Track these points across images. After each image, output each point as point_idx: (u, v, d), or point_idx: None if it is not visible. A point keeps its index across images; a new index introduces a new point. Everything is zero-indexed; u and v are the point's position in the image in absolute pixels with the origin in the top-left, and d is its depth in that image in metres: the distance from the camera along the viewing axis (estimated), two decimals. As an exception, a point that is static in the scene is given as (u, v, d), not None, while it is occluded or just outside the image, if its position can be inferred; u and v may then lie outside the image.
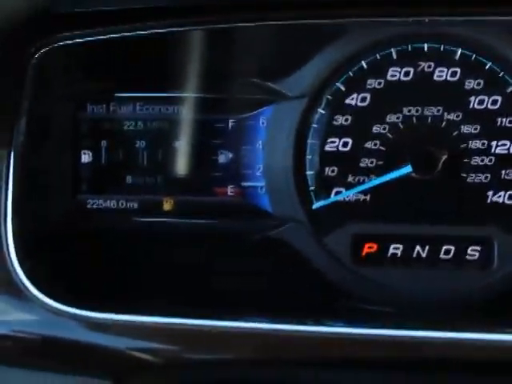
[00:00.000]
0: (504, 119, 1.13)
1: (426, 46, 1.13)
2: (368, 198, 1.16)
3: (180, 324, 1.03)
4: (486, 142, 1.13)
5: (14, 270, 1.05)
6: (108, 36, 1.11)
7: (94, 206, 1.21)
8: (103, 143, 1.20)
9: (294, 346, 1.02)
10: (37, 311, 1.04)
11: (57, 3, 1.08)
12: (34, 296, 1.04)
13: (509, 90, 1.12)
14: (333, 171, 1.16)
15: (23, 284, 1.04)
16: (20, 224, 1.07)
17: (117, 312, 1.03)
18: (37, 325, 1.04)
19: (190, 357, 1.04)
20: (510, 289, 1.12)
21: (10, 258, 1.05)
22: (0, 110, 1.09)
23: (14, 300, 1.05)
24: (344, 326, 1.03)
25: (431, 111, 1.14)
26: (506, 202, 1.13)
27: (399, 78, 1.14)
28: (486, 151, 1.13)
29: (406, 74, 1.14)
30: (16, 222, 1.07)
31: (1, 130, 1.08)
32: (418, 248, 1.14)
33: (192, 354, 1.04)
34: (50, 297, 1.04)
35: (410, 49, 1.13)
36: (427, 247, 1.14)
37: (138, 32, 1.11)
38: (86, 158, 1.20)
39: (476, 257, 1.13)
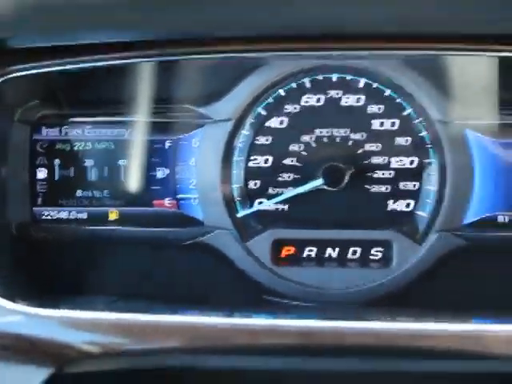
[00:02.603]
0: (401, 138, 1.15)
1: (334, 76, 1.15)
2: (286, 207, 1.17)
3: (118, 318, 1.03)
4: (386, 158, 1.15)
5: None
6: (60, 68, 1.10)
7: (49, 217, 1.20)
8: (56, 161, 1.20)
9: (221, 335, 1.02)
10: None
11: (14, 39, 1.07)
12: None
13: (405, 113, 1.15)
14: (255, 184, 1.18)
15: None
16: None
17: (61, 308, 1.03)
18: None
19: (127, 347, 1.03)
20: (407, 283, 1.14)
21: None
22: None
23: None
24: (266, 318, 1.03)
25: (339, 132, 1.16)
26: (404, 209, 1.16)
27: (312, 104, 1.17)
28: (386, 166, 1.16)
29: (318, 100, 1.16)
30: None
31: None
32: (329, 250, 1.17)
33: (128, 344, 1.03)
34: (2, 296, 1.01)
35: (320, 78, 1.15)
36: (337, 249, 1.17)
37: (86, 64, 1.11)
38: (41, 174, 1.20)
39: (378, 256, 1.17)
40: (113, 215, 1.21)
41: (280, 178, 1.17)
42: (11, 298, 1.03)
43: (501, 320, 1.01)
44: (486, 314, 1.04)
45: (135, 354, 1.04)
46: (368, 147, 1.16)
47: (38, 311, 1.03)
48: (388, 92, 1.15)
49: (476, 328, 1.00)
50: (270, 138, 1.18)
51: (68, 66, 1.12)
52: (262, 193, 1.18)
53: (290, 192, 1.17)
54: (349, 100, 1.17)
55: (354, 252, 1.17)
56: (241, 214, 1.18)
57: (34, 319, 1.03)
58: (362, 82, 1.16)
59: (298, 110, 1.17)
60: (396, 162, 1.16)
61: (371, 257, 1.17)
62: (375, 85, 1.15)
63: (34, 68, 1.11)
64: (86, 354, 1.02)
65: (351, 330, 1.01)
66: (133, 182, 1.21)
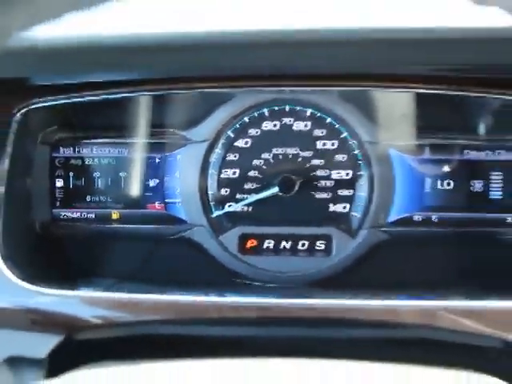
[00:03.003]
0: (339, 155, 1.16)
1: (287, 107, 1.15)
2: (250, 209, 1.18)
3: (117, 297, 1.03)
4: (327, 170, 1.15)
5: None
6: (72, 100, 1.09)
7: (65, 217, 1.20)
8: (71, 174, 1.19)
9: (199, 309, 1.03)
10: (12, 289, 1.01)
11: (34, 78, 1.07)
12: (10, 279, 1.01)
13: (342, 136, 1.15)
14: (226, 191, 1.18)
15: (2, 269, 1.01)
16: (7, 231, 1.05)
17: (72, 289, 1.03)
18: (10, 297, 1.02)
19: (123, 319, 1.03)
20: (344, 269, 1.15)
21: None
22: None
23: None
24: (234, 296, 1.04)
25: (291, 151, 1.16)
26: (341, 211, 1.16)
27: (270, 129, 1.16)
28: (328, 177, 1.16)
29: (274, 125, 1.16)
30: (4, 230, 1.04)
31: None
32: (283, 242, 1.16)
33: (124, 317, 1.03)
34: (24, 280, 1.02)
35: (276, 109, 1.15)
36: (289, 242, 1.16)
37: (92, 98, 1.10)
38: (59, 183, 1.20)
39: (321, 248, 1.16)
40: (115, 215, 1.20)
41: (245, 186, 1.17)
42: (33, 281, 1.02)
43: (415, 297, 1.02)
44: (404, 292, 1.04)
45: (130, 325, 1.03)
46: (313, 162, 1.16)
47: (53, 291, 1.02)
48: (329, 119, 1.15)
49: (395, 303, 1.02)
50: (238, 155, 1.17)
51: (79, 99, 1.10)
52: (231, 198, 1.18)
53: (252, 197, 1.16)
54: (298, 126, 1.16)
55: (303, 244, 1.16)
56: (215, 214, 1.17)
57: (50, 298, 1.02)
58: (308, 112, 1.15)
59: (259, 134, 1.16)
60: (335, 174, 1.16)
61: (316, 248, 1.16)
62: (318, 114, 1.15)
63: (51, 101, 1.09)
64: (91, 324, 1.01)
65: (299, 305, 1.02)
66: (130, 189, 1.20)
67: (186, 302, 1.02)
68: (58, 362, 0.96)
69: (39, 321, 1.02)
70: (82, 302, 1.02)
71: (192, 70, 1.06)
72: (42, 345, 0.97)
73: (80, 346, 1.00)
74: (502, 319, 0.95)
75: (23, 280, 1.00)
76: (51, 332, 0.99)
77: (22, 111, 1.07)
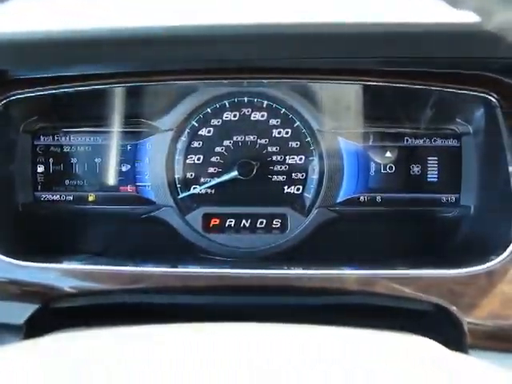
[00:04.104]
0: (292, 142, 1.17)
1: (246, 99, 1.16)
2: (213, 191, 1.18)
3: (90, 268, 1.02)
4: (282, 156, 1.17)
5: None
6: (50, 92, 1.08)
7: (46, 199, 1.19)
8: (50, 160, 1.19)
9: (168, 280, 1.02)
10: None
11: (14, 71, 1.06)
12: None
13: (295, 125, 1.16)
14: (191, 175, 1.18)
15: None
16: None
17: (50, 262, 1.02)
18: None
19: (95, 289, 1.02)
20: (297, 243, 1.16)
21: None
22: None
23: None
24: (198, 268, 1.03)
25: (249, 138, 1.17)
26: (295, 192, 1.18)
27: (230, 119, 1.17)
28: (283, 162, 1.17)
29: (234, 116, 1.17)
30: None
31: None
32: (243, 221, 1.17)
33: (96, 287, 1.02)
34: (5, 254, 1.01)
35: (236, 101, 1.16)
36: (249, 220, 1.17)
37: (69, 89, 1.09)
38: (40, 169, 1.19)
39: (277, 225, 1.17)
40: (91, 197, 1.20)
41: (208, 171, 1.18)
42: (13, 255, 1.02)
43: (358, 267, 1.02)
44: (350, 263, 1.04)
45: (100, 294, 1.02)
46: (270, 149, 1.17)
47: (32, 264, 1.01)
48: (283, 110, 1.16)
49: (341, 273, 1.02)
50: (201, 143, 1.18)
51: (55, 91, 1.09)
52: (195, 181, 1.18)
53: (215, 180, 1.17)
54: (256, 116, 1.17)
55: (261, 222, 1.17)
56: (181, 196, 1.18)
57: (29, 270, 1.01)
58: (264, 103, 1.16)
59: (220, 123, 1.17)
60: (289, 159, 1.17)
61: (273, 225, 1.17)
62: (274, 105, 1.16)
63: (30, 92, 1.08)
64: (65, 293, 1.00)
65: (256, 275, 1.02)
66: (105, 174, 1.20)
67: (154, 273, 1.01)
68: (35, 328, 0.95)
69: (18, 291, 1.00)
70: (58, 274, 1.00)
71: (160, 64, 1.05)
72: (21, 312, 0.96)
73: (55, 313, 0.99)
74: (434, 286, 0.96)
75: (4, 254, 0.99)
76: (29, 301, 0.98)
77: (3, 102, 1.06)
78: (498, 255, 0.94)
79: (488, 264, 0.94)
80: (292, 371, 0.52)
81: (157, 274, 1.00)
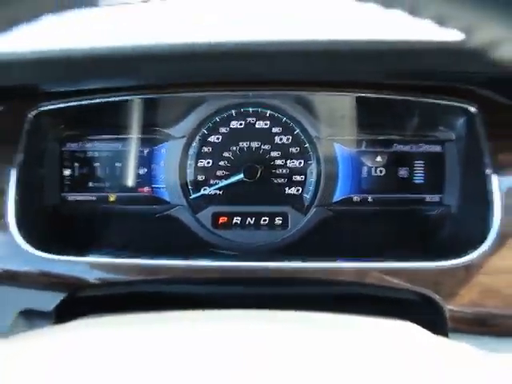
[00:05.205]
0: (293, 148, 1.18)
1: (250, 109, 1.17)
2: (221, 192, 1.19)
3: (112, 261, 1.04)
4: (283, 160, 1.17)
5: (14, 233, 1.02)
6: (76, 103, 1.10)
7: (72, 200, 1.21)
8: (76, 164, 1.20)
9: (181, 272, 1.03)
10: (27, 256, 1.02)
11: (43, 86, 1.08)
12: (25, 249, 1.02)
13: (295, 132, 1.17)
14: (201, 178, 1.19)
15: (19, 241, 1.02)
16: (21, 209, 1.05)
17: (77, 255, 1.04)
18: (25, 263, 1.02)
19: (116, 280, 1.04)
20: (297, 239, 1.17)
21: (11, 228, 1.03)
22: (5, 147, 1.07)
23: (12, 251, 1.02)
24: (209, 261, 1.04)
25: (254, 144, 1.18)
26: (295, 193, 1.18)
27: (236, 127, 1.17)
28: (284, 166, 1.17)
29: (240, 124, 1.17)
30: (18, 209, 1.04)
31: (4, 159, 1.06)
32: (248, 219, 1.17)
33: (117, 278, 1.04)
34: (36, 248, 1.03)
35: (242, 111, 1.15)
36: (253, 218, 1.17)
37: (93, 101, 1.10)
38: (66, 172, 1.20)
39: (280, 223, 1.18)
40: (112, 198, 1.21)
41: (217, 173, 1.18)
42: (43, 250, 1.04)
43: (352, 260, 1.03)
44: (344, 256, 1.05)
45: (121, 284, 1.05)
46: (272, 154, 1.18)
47: (60, 257, 1.03)
48: (284, 119, 1.17)
49: (336, 265, 1.03)
50: (211, 148, 1.19)
51: (81, 103, 1.11)
52: (205, 183, 1.19)
53: (223, 182, 1.18)
54: (260, 124, 1.18)
55: (264, 220, 1.18)
56: (192, 196, 1.18)
57: (57, 263, 1.03)
58: (267, 113, 1.17)
59: (228, 131, 1.18)
60: (290, 163, 1.18)
61: (275, 223, 1.18)
62: (276, 114, 1.17)
63: (58, 104, 1.10)
64: (90, 284, 1.02)
65: (260, 267, 1.03)
66: (124, 176, 1.21)
67: (168, 265, 1.02)
68: (63, 314, 0.98)
69: (48, 281, 1.02)
70: (83, 267, 1.02)
71: (174, 78, 1.07)
72: (50, 300, 0.99)
73: (81, 301, 1.01)
74: (420, 277, 0.97)
75: (36, 249, 1.01)
76: (58, 290, 1.00)
77: (33, 113, 1.07)
78: (476, 249, 0.95)
79: (466, 258, 0.95)
80: (283, 349, 0.54)
81: (171, 266, 1.01)
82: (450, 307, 0.92)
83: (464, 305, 0.92)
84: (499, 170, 0.98)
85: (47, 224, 1.14)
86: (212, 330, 0.59)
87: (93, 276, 1.01)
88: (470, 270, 0.92)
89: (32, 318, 0.97)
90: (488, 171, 0.98)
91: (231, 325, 0.70)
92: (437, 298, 0.93)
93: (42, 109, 1.07)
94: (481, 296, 0.92)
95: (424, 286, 0.94)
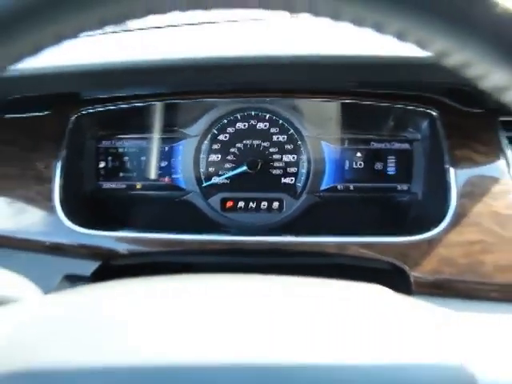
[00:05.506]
0: (287, 145, 1.23)
1: (253, 112, 1.19)
2: (228, 181, 1.21)
3: (137, 236, 1.06)
4: (280, 155, 1.20)
5: (59, 213, 1.06)
6: (109, 108, 1.13)
7: (106, 187, 1.23)
8: (109, 158, 1.23)
9: (194, 244, 1.05)
10: (68, 232, 1.05)
11: (82, 93, 1.11)
12: (68, 226, 1.05)
13: (289, 132, 1.22)
14: (212, 169, 1.22)
15: (63, 219, 1.05)
16: (65, 194, 1.08)
17: (109, 231, 1.06)
18: (67, 237, 1.05)
19: (142, 251, 1.06)
20: (291, 220, 1.18)
21: (57, 209, 1.06)
22: (52, 144, 1.10)
23: (58, 227, 1.05)
24: (217, 236, 1.07)
25: (256, 142, 1.20)
26: (289, 182, 1.22)
27: (241, 127, 1.20)
28: (280, 160, 1.20)
29: (244, 125, 1.20)
30: (62, 194, 1.08)
31: (51, 154, 1.09)
32: (250, 203, 1.20)
33: (143, 249, 1.06)
34: (77, 225, 1.06)
35: (246, 114, 1.19)
36: (255, 202, 1.20)
37: (123, 106, 1.13)
38: (101, 165, 1.24)
39: (276, 207, 1.19)
40: (138, 186, 1.25)
41: (225, 166, 1.24)
42: (83, 226, 1.09)
43: (335, 236, 1.06)
44: (329, 233, 1.08)
45: (146, 255, 1.07)
46: (271, 150, 1.22)
47: (96, 232, 1.06)
48: (281, 121, 1.22)
49: (323, 240, 1.06)
50: (220, 145, 1.24)
51: (115, 107, 1.17)
52: (215, 173, 1.24)
53: (229, 173, 1.23)
54: (261, 125, 1.22)
55: (264, 205, 1.22)
56: (204, 184, 1.24)
57: (94, 237, 1.06)
58: (267, 116, 1.22)
59: (234, 131, 1.22)
60: (285, 158, 1.22)
61: (273, 207, 1.22)
62: (274, 117, 1.22)
63: (96, 108, 1.16)
64: (120, 254, 1.05)
65: (260, 241, 1.05)
66: (148, 168, 1.25)
67: (185, 239, 1.05)
68: (98, 279, 1.01)
69: (86, 252, 1.05)
70: (115, 240, 1.06)
71: (190, 86, 1.12)
72: (88, 267, 1.02)
73: (113, 268, 1.05)
74: (391, 249, 1.00)
75: (76, 225, 1.05)
76: (94, 259, 1.04)
77: (75, 116, 1.11)
78: (436, 227, 1.02)
79: (429, 233, 0.98)
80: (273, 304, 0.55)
81: (187, 240, 1.05)
82: (414, 274, 0.96)
83: (426, 272, 0.96)
84: (456, 163, 1.02)
85: (86, 206, 1.16)
86: (222, 286, 0.62)
87: (122, 247, 1.05)
88: (431, 243, 0.96)
89: (73, 281, 0.99)
90: (447, 165, 1.01)
91: (235, 282, 0.75)
92: (404, 267, 0.96)
93: (83, 112, 1.11)
94: (440, 265, 0.96)
95: (394, 257, 0.98)
